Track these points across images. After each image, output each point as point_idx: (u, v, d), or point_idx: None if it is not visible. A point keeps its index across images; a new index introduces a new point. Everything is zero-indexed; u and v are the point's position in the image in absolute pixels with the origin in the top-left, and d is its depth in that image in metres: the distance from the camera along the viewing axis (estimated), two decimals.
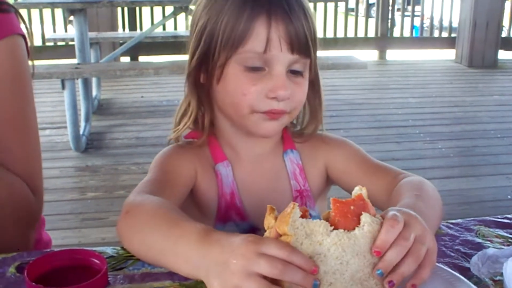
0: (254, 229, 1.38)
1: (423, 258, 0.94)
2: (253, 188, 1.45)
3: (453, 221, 1.37)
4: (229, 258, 0.91)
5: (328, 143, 1.50)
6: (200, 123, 1.43)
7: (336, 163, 1.49)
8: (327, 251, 0.92)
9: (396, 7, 9.22)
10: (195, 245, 0.98)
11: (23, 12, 7.24)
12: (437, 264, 1.10)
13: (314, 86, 1.42)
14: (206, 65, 1.34)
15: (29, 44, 1.47)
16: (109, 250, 1.21)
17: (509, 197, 4.20)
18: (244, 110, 1.30)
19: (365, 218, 0.95)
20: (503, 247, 1.24)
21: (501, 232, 1.32)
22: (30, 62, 1.48)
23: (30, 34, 1.49)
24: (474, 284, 1.05)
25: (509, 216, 1.40)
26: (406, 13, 9.12)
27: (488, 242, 1.27)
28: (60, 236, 3.56)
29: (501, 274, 1.04)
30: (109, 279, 1.07)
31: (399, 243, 0.93)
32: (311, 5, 1.34)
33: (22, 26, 1.46)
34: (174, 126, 1.49)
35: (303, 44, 1.27)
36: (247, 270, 0.89)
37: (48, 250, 1.24)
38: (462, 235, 1.30)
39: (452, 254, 1.22)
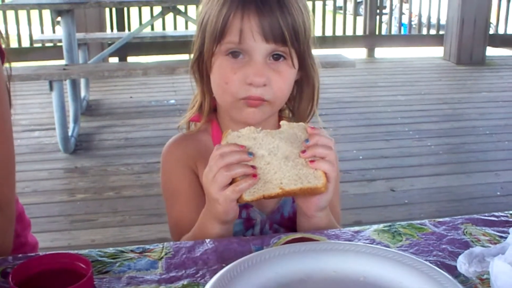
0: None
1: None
2: None
3: (440, 219, 1.37)
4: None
5: None
6: (201, 108, 1.57)
7: None
8: (261, 140, 1.26)
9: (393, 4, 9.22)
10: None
11: (10, 13, 7.27)
12: (417, 259, 1.13)
13: (307, 76, 1.52)
14: (202, 58, 1.48)
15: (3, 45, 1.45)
16: (94, 253, 1.20)
17: (498, 193, 4.22)
18: (228, 98, 1.43)
19: (282, 121, 1.31)
20: (490, 245, 1.25)
21: (488, 230, 1.32)
22: (7, 65, 1.45)
23: (6, 36, 1.46)
24: (461, 283, 1.06)
25: (496, 214, 1.40)
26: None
27: (475, 240, 1.27)
28: (49, 239, 3.55)
29: (488, 273, 1.03)
30: (95, 282, 1.06)
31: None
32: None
33: None
34: (184, 121, 1.63)
35: (278, 34, 1.37)
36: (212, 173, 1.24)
37: (33, 254, 1.23)
38: (449, 234, 1.29)
39: (440, 253, 1.22)
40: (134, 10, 8.06)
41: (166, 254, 1.21)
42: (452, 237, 1.28)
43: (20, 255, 1.22)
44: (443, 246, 1.24)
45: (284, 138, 1.27)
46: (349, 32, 8.95)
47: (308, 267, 1.13)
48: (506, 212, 1.40)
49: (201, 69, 1.51)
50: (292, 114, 1.60)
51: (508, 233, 1.15)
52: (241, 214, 1.46)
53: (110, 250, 1.22)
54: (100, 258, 1.19)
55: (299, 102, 1.57)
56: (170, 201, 1.57)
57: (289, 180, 1.24)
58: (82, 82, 6.23)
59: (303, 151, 1.25)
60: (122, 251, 1.22)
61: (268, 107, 1.44)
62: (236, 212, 1.29)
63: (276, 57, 1.41)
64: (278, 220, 1.52)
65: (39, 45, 7.43)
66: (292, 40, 1.39)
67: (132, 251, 1.23)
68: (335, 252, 1.16)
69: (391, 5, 9.08)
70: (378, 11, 8.84)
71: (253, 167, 1.23)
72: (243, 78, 1.39)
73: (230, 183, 1.23)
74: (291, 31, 1.38)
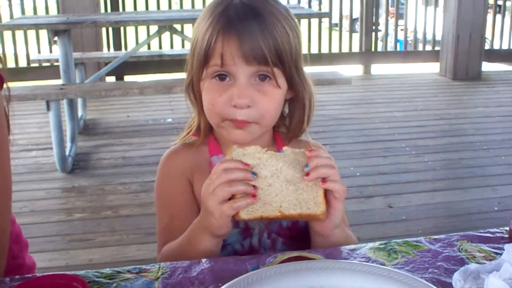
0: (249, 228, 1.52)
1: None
2: None
3: (436, 236, 1.37)
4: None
5: (311, 145, 1.63)
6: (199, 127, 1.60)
7: None
8: (265, 161, 1.28)
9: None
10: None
11: (7, 33, 7.29)
12: (413, 277, 1.13)
13: (297, 96, 1.53)
14: (195, 80, 1.51)
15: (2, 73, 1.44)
16: (91, 274, 1.20)
17: (495, 208, 4.22)
18: (215, 119, 1.48)
19: (285, 147, 1.32)
20: (485, 262, 1.25)
21: (483, 247, 1.32)
22: (5, 85, 1.45)
23: (3, 62, 1.46)
24: None
25: (491, 230, 1.40)
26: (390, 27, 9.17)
27: (471, 257, 1.28)
28: (47, 258, 3.54)
29: None
30: None
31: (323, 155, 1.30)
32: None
33: None
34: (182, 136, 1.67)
35: (259, 55, 1.39)
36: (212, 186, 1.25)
37: (30, 275, 1.23)
38: (445, 251, 1.30)
39: (435, 270, 1.22)
40: (130, 30, 8.08)
41: (162, 274, 1.22)
42: (447, 254, 1.29)
43: (17, 277, 1.22)
44: (439, 263, 1.25)
45: (288, 162, 1.28)
46: (345, 49, 8.97)
47: (304, 286, 1.13)
48: (502, 228, 1.41)
49: (195, 90, 1.53)
50: (287, 130, 1.61)
51: (503, 250, 1.16)
52: (239, 223, 1.46)
53: (107, 270, 1.23)
54: (96, 279, 1.19)
55: (290, 121, 1.59)
56: (162, 208, 1.58)
57: (288, 204, 1.25)
58: (79, 101, 6.23)
59: (307, 174, 1.26)
60: (119, 272, 1.22)
61: (255, 127, 1.47)
62: (228, 228, 1.30)
63: (262, 77, 1.43)
64: (277, 230, 1.52)
65: (36, 64, 7.44)
66: (274, 61, 1.41)
67: (128, 271, 1.23)
68: (332, 270, 1.16)
69: (387, 21, 9.11)
70: (373, 27, 8.87)
71: (254, 186, 1.25)
72: (228, 100, 1.42)
73: (229, 199, 1.25)
74: (273, 52, 1.40)
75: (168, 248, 1.47)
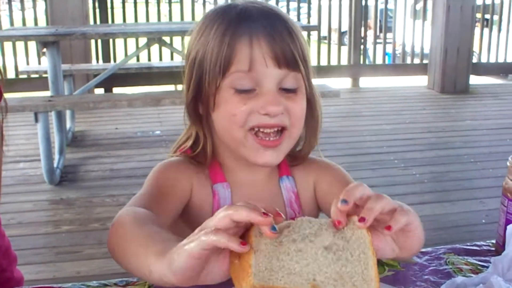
0: None
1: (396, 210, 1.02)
2: None
3: (423, 249, 1.37)
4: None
5: (319, 163, 1.53)
6: (202, 149, 1.43)
7: (322, 183, 1.50)
8: (295, 224, 1.00)
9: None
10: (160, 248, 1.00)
11: None
12: None
13: (310, 104, 1.42)
14: (201, 96, 1.36)
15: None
16: (77, 287, 1.20)
17: (483, 221, 4.23)
18: (237, 132, 1.31)
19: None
20: (472, 275, 1.25)
21: (470, 260, 1.33)
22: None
23: (2, 71, 1.45)
24: None
25: (478, 243, 1.41)
26: (378, 40, 9.21)
27: (458, 270, 1.28)
28: (34, 271, 3.52)
29: None
30: None
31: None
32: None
33: None
34: (172, 151, 1.50)
35: (290, 58, 1.28)
36: (214, 226, 0.94)
37: None
38: (431, 264, 1.30)
39: (422, 283, 1.22)
40: (119, 42, 8.09)
41: (149, 286, 1.21)
42: (434, 267, 1.29)
43: None
44: (426, 277, 1.25)
45: (325, 224, 1.02)
46: (334, 61, 9.01)
47: None
48: (488, 241, 1.41)
49: (198, 109, 1.39)
50: (295, 148, 1.47)
51: (490, 263, 1.16)
52: None
53: (94, 283, 1.22)
54: None
55: (305, 128, 1.44)
56: (146, 190, 1.35)
57: (325, 277, 0.95)
58: (68, 113, 6.22)
59: (388, 227, 1.00)
60: (106, 285, 1.22)
61: (286, 143, 1.34)
62: (192, 280, 0.96)
63: (286, 90, 1.31)
64: None
65: (25, 76, 7.44)
66: (304, 65, 1.32)
67: (115, 284, 1.22)
68: None
69: (375, 34, 9.15)
70: (362, 41, 8.91)
71: (243, 243, 0.93)
72: (254, 108, 1.28)
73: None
74: (301, 56, 1.31)
75: (124, 221, 1.14)
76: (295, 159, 1.50)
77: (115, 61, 7.95)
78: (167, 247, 0.97)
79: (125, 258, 1.08)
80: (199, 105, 1.38)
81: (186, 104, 1.41)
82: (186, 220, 1.42)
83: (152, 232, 1.08)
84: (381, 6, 9.36)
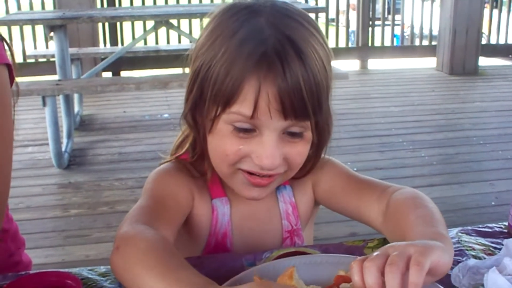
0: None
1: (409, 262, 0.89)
2: (246, 231, 1.41)
3: None
4: None
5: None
6: (200, 157, 1.34)
7: (322, 183, 1.44)
8: None
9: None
10: None
11: (4, 29, 7.27)
12: None
13: (319, 141, 1.31)
14: (199, 110, 1.25)
15: (14, 73, 1.44)
16: (84, 272, 1.19)
17: (493, 203, 4.21)
18: (224, 169, 1.24)
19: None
20: (484, 255, 1.24)
21: (482, 241, 1.31)
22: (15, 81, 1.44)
23: (13, 59, 1.45)
24: None
25: (489, 225, 1.39)
26: (386, 22, 9.16)
27: (470, 249, 1.27)
28: (43, 255, 3.53)
29: (483, 285, 1.03)
30: None
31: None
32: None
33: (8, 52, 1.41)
34: (170, 155, 1.41)
35: (300, 108, 1.14)
36: None
37: (23, 272, 1.22)
38: None
39: None
40: (127, 25, 8.05)
41: None
42: None
43: (10, 274, 1.20)
44: None
45: None
46: (342, 44, 8.97)
47: (320, 279, 1.11)
48: (500, 223, 1.40)
49: (196, 117, 1.27)
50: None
51: (502, 245, 1.15)
52: None
53: (101, 268, 1.21)
54: (90, 276, 1.18)
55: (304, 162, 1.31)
56: (147, 203, 1.26)
57: None
58: (76, 97, 6.22)
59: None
60: None
61: (277, 182, 1.28)
62: None
63: (291, 134, 1.19)
64: None
65: (32, 60, 7.44)
66: (315, 111, 1.17)
67: None
68: (328, 265, 1.15)
69: (383, 16, 9.10)
70: (370, 22, 8.85)
71: None
72: (249, 154, 1.19)
73: None
74: (315, 100, 1.15)
75: (135, 244, 1.06)
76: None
77: (122, 44, 7.93)
78: None
79: (134, 285, 1.01)
80: (197, 114, 1.27)
81: (184, 112, 1.29)
82: (184, 229, 1.37)
83: (170, 264, 1.00)
84: None
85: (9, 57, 1.42)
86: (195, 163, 1.35)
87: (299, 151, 1.23)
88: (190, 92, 1.25)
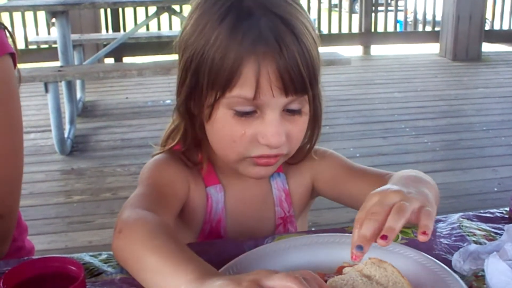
0: None
1: (418, 212, 0.99)
2: (240, 217, 1.41)
3: (436, 216, 1.36)
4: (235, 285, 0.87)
5: (311, 157, 1.43)
6: (194, 146, 1.36)
7: (323, 175, 1.45)
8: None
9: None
10: (192, 278, 0.93)
11: (5, 15, 7.26)
12: (428, 256, 1.11)
13: (315, 116, 1.32)
14: (195, 100, 1.23)
15: (17, 61, 1.45)
16: (87, 257, 1.19)
17: (495, 189, 4.21)
18: (233, 156, 1.23)
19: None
20: (485, 240, 1.24)
21: (483, 226, 1.31)
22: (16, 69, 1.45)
23: (15, 46, 1.46)
24: None
25: (491, 210, 1.39)
26: (389, 8, 9.13)
27: (471, 234, 1.27)
28: (46, 241, 3.54)
29: (483, 270, 1.03)
30: (87, 286, 1.06)
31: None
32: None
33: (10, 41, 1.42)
34: (160, 145, 1.42)
35: (299, 83, 1.15)
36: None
37: (25, 258, 1.22)
38: (444, 230, 1.29)
39: (435, 246, 1.21)
40: (129, 11, 8.05)
41: None
42: (448, 232, 1.28)
43: (12, 260, 1.21)
44: (439, 240, 1.24)
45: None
46: (345, 29, 8.95)
47: (318, 259, 1.12)
48: (502, 209, 1.40)
49: (190, 107, 1.27)
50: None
51: (503, 230, 1.15)
52: None
53: (103, 255, 1.21)
54: (92, 261, 1.18)
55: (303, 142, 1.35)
56: (145, 190, 1.29)
57: None
58: (78, 83, 6.22)
59: (423, 233, 0.96)
60: None
61: (280, 161, 1.28)
62: None
63: (289, 111, 1.20)
64: None
65: (34, 46, 7.44)
66: (312, 84, 1.18)
67: None
68: (330, 244, 1.16)
69: (386, 2, 9.07)
70: (373, 8, 8.83)
71: None
72: (255, 136, 1.19)
73: None
74: (311, 73, 1.17)
75: (137, 228, 1.09)
76: (292, 158, 1.35)
77: (124, 30, 7.94)
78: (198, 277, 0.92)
79: (140, 271, 1.02)
80: (192, 104, 1.25)
81: (178, 104, 1.28)
82: (178, 217, 1.36)
83: (173, 247, 1.02)
84: None
85: (11, 45, 1.42)
86: (187, 153, 1.36)
87: (300, 127, 1.25)
88: (183, 82, 1.24)
